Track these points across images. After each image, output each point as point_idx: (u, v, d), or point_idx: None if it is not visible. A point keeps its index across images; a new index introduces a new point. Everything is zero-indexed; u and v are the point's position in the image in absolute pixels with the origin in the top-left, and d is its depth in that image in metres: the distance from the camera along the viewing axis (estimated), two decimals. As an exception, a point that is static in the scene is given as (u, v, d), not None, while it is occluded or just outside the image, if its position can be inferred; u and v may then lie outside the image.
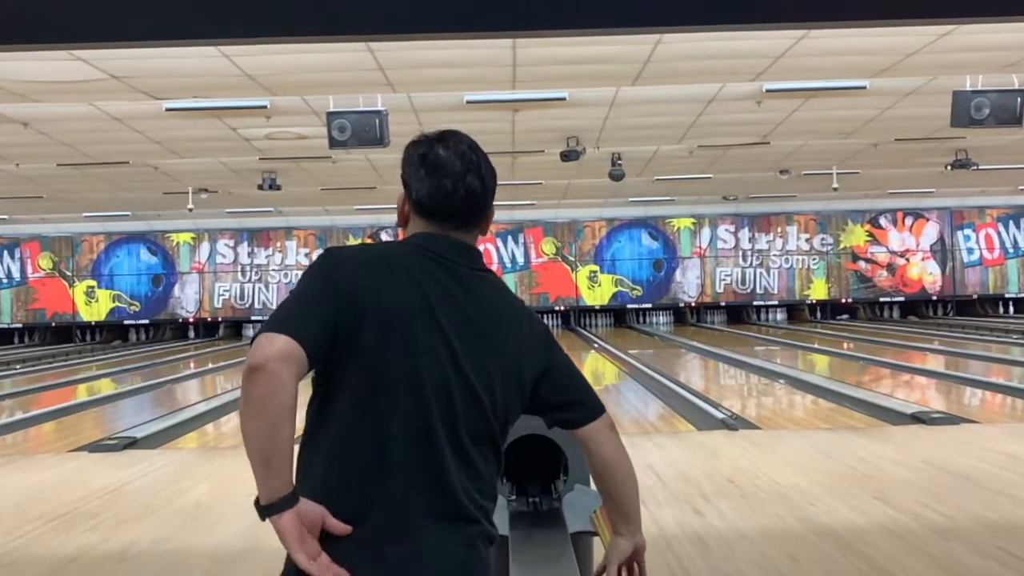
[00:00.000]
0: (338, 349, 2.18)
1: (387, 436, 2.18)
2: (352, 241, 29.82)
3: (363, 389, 2.19)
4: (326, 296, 2.19)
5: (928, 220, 30.19)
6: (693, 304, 30.57)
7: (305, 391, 2.14)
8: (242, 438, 2.11)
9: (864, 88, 12.96)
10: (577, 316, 30.40)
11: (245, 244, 29.88)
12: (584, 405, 2.51)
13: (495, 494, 2.40)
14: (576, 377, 2.53)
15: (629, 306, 30.48)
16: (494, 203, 2.53)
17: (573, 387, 2.50)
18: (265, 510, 2.09)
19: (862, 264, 30.34)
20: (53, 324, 30.20)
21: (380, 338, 2.20)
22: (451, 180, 2.41)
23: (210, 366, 20.25)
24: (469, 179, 2.43)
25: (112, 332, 30.34)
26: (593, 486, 4.00)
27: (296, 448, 2.16)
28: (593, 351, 22.43)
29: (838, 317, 30.48)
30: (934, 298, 30.46)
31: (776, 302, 30.74)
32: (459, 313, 2.29)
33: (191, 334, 30.24)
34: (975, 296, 30.33)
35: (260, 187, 19.03)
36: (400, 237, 2.47)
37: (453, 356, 2.25)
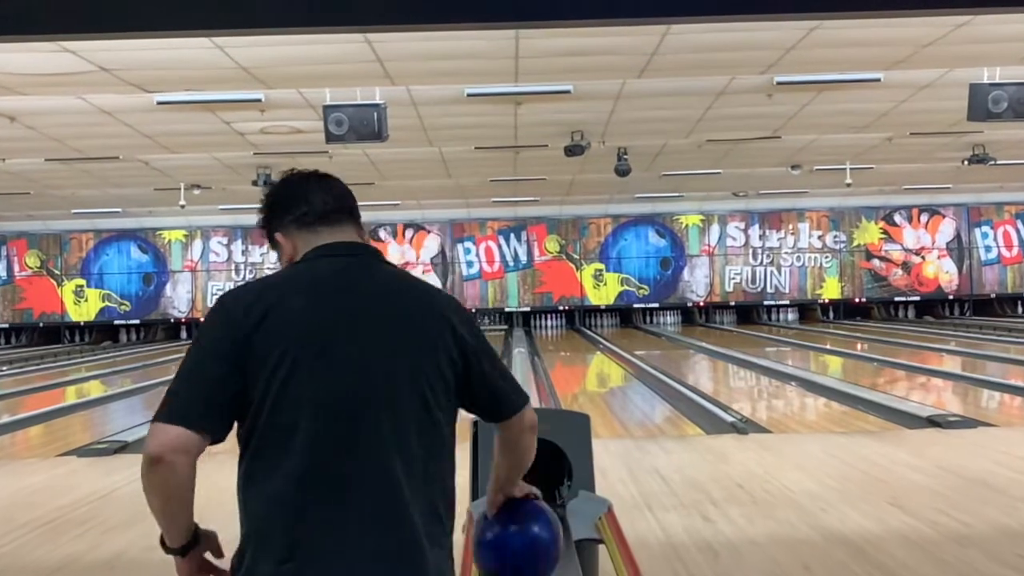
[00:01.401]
0: (251, 395, 2.35)
1: (308, 468, 2.33)
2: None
3: (288, 421, 2.34)
4: (222, 354, 2.35)
5: (944, 217, 30.17)
6: (701, 304, 30.56)
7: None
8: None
9: (878, 81, 12.95)
10: (582, 316, 30.39)
11: (239, 242, 29.87)
12: (511, 387, 2.66)
13: (446, 496, 2.55)
14: (497, 358, 2.64)
15: (635, 306, 30.47)
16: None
17: (500, 367, 2.64)
18: (167, 551, 2.49)
19: (876, 262, 30.31)
20: (41, 324, 30.20)
21: (285, 366, 2.34)
22: (319, 191, 2.70)
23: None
24: (335, 185, 2.74)
25: (102, 332, 30.34)
26: (599, 491, 4.00)
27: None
28: (598, 352, 22.42)
29: (852, 317, 30.47)
30: (950, 297, 30.43)
31: (787, 302, 30.72)
32: (384, 319, 2.46)
33: (183, 334, 30.21)
34: (993, 295, 30.31)
35: (254, 183, 19.02)
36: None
37: (356, 358, 2.40)
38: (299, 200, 2.67)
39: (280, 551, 2.30)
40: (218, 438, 2.36)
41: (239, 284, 2.62)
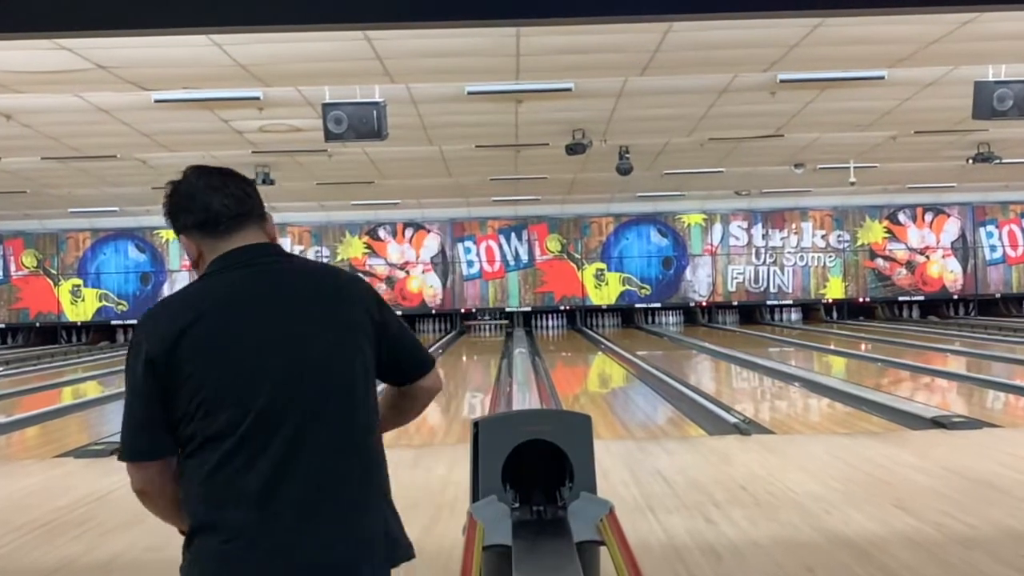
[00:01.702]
0: (179, 405, 2.55)
1: (241, 463, 2.54)
2: (350, 238, 29.87)
3: (208, 427, 2.54)
4: (149, 390, 2.55)
5: (949, 216, 30.17)
6: (704, 304, 30.57)
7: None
8: None
9: (882, 78, 12.96)
10: (583, 316, 30.39)
11: (237, 241, 29.82)
12: (419, 354, 2.89)
13: (379, 456, 2.73)
14: (405, 328, 2.86)
15: (637, 305, 30.48)
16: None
17: (408, 337, 2.85)
18: (182, 532, 2.67)
19: (880, 262, 30.32)
20: (37, 324, 30.21)
21: (207, 375, 2.53)
22: (212, 195, 2.72)
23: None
24: (232, 188, 2.75)
25: (99, 333, 30.36)
26: (600, 492, 4.01)
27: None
28: (600, 352, 22.43)
29: (855, 317, 30.47)
30: (955, 297, 30.44)
31: (790, 301, 30.73)
32: (277, 311, 2.62)
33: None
34: (998, 295, 30.31)
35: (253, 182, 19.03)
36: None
37: (284, 358, 2.58)
38: (198, 204, 2.72)
39: (226, 534, 2.52)
40: (175, 453, 2.61)
41: (157, 305, 2.68)
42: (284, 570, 2.51)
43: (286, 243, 30.08)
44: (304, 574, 2.53)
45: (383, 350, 2.74)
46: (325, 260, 29.84)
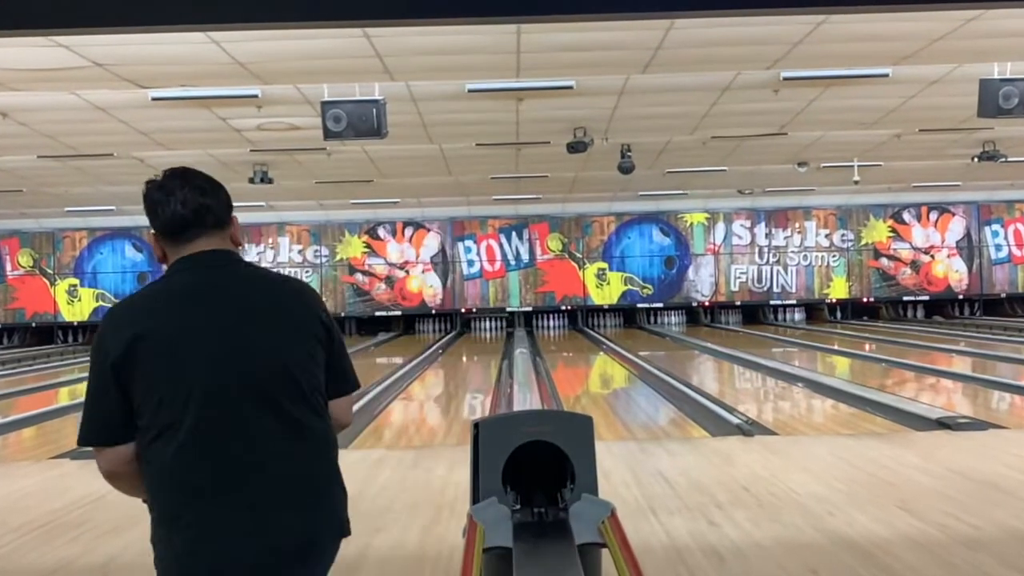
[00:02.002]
0: (136, 397, 2.82)
1: (191, 459, 2.78)
2: (348, 237, 29.90)
3: (167, 418, 2.78)
4: (106, 385, 2.82)
5: (954, 215, 30.16)
6: (707, 303, 30.56)
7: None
8: None
9: (887, 76, 12.96)
10: (585, 316, 30.40)
11: (235, 240, 29.82)
12: (349, 378, 3.12)
13: (327, 448, 2.97)
14: (343, 347, 3.10)
15: (639, 305, 30.48)
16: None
17: (347, 361, 3.09)
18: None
19: (884, 261, 30.31)
20: (33, 324, 30.21)
21: (160, 375, 2.79)
22: (173, 202, 2.98)
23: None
24: (190, 195, 2.99)
25: (95, 333, 30.34)
26: (602, 494, 4.00)
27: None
28: (601, 353, 22.43)
29: (860, 317, 30.46)
30: (960, 297, 30.43)
31: (794, 301, 30.73)
32: (239, 313, 2.90)
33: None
34: (1003, 295, 30.29)
35: (251, 180, 19.03)
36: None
37: (240, 357, 2.83)
38: (161, 208, 3.00)
39: (181, 523, 2.77)
40: (134, 433, 2.84)
41: (120, 305, 2.98)
42: (247, 549, 2.76)
43: (285, 242, 30.12)
44: (267, 552, 2.77)
45: (329, 359, 3.00)
46: (325, 259, 29.94)
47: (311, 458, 2.89)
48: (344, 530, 2.99)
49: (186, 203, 2.97)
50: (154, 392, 2.78)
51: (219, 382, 2.79)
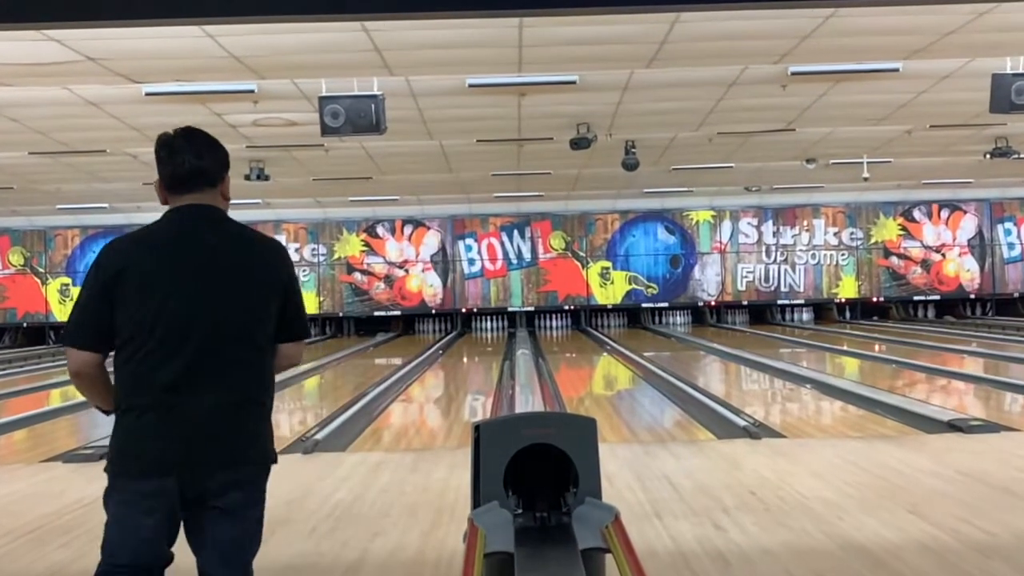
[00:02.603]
0: (118, 318, 3.54)
1: (157, 363, 3.50)
2: (347, 236, 29.92)
3: (135, 333, 3.51)
4: (97, 296, 3.55)
5: (966, 213, 30.16)
6: (713, 303, 30.58)
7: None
8: None
9: (897, 71, 12.96)
10: (588, 316, 30.41)
11: (231, 239, 29.81)
12: (297, 327, 3.78)
13: (260, 377, 3.66)
14: (303, 307, 3.81)
15: (644, 305, 30.49)
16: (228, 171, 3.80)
17: (300, 312, 3.77)
18: (102, 412, 3.76)
19: (894, 260, 30.32)
20: (25, 325, 30.24)
21: (141, 298, 3.50)
22: (176, 159, 3.69)
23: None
24: (189, 157, 3.67)
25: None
26: (606, 498, 4.00)
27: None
28: (605, 353, 22.42)
29: (869, 317, 30.46)
30: (972, 296, 30.44)
31: (802, 301, 30.75)
32: (204, 258, 3.58)
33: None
34: (1016, 294, 30.30)
35: (247, 177, 19.04)
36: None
37: (197, 292, 3.53)
38: (166, 162, 3.70)
39: (150, 409, 3.50)
40: (107, 352, 3.59)
41: (118, 239, 3.73)
42: (177, 432, 3.48)
43: (281, 240, 30.10)
44: (195, 435, 3.49)
45: (285, 309, 3.67)
46: (322, 258, 29.96)
47: (245, 388, 3.58)
48: (268, 459, 3.71)
49: (185, 164, 3.66)
50: (131, 314, 3.50)
51: (180, 314, 3.49)
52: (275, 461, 3.73)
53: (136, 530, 3.55)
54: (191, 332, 3.50)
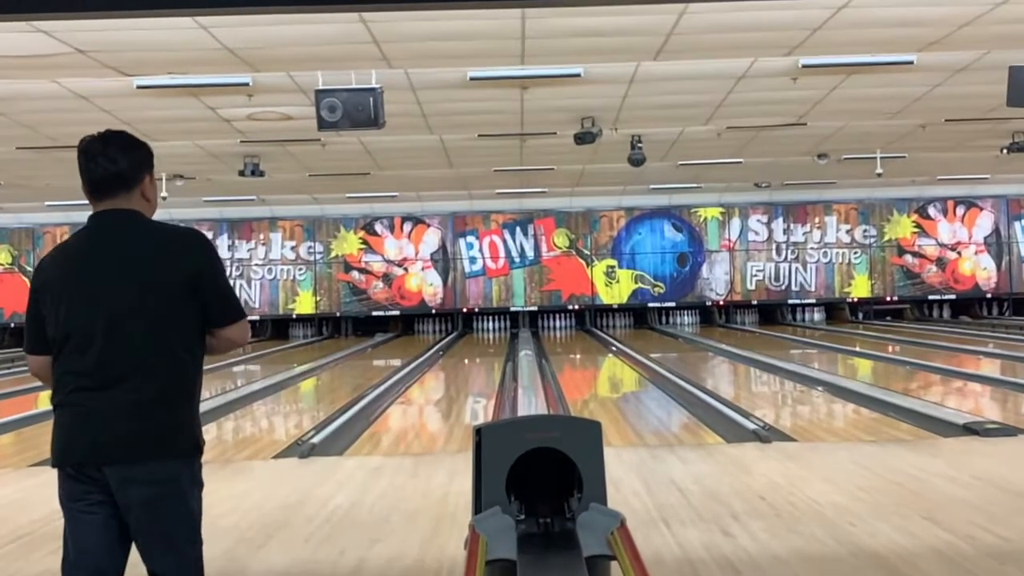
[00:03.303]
0: (46, 327, 3.88)
1: (71, 365, 3.83)
2: (344, 233, 29.93)
3: (57, 338, 3.85)
4: (33, 308, 3.94)
5: (982, 209, 30.15)
6: (721, 303, 30.58)
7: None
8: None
9: (911, 63, 12.94)
10: (593, 316, 30.41)
11: (225, 236, 29.87)
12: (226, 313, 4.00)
13: (170, 375, 3.85)
14: (227, 292, 4.02)
15: (650, 305, 30.50)
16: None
17: (222, 299, 3.97)
18: None
19: (909, 258, 30.31)
20: (12, 325, 30.18)
21: (56, 309, 3.83)
22: (92, 166, 3.90)
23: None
24: (103, 162, 3.88)
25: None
26: (611, 503, 4.00)
27: None
28: (610, 355, 22.44)
29: (882, 318, 30.45)
30: (989, 296, 30.42)
31: (813, 300, 30.74)
32: (109, 267, 3.82)
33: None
34: (1034, 294, 30.31)
35: (241, 173, 19.05)
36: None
37: (102, 301, 3.78)
38: (82, 169, 3.91)
39: (66, 405, 3.88)
40: (52, 348, 3.88)
41: (48, 254, 4.02)
42: (88, 429, 3.80)
43: (277, 238, 30.12)
44: (97, 428, 3.78)
45: (202, 300, 3.88)
46: (319, 256, 29.96)
47: (152, 386, 3.78)
48: (181, 452, 3.92)
49: (99, 170, 3.88)
50: (51, 323, 3.85)
51: (85, 321, 3.78)
52: (197, 452, 4.01)
53: (79, 519, 3.96)
54: (95, 337, 3.78)
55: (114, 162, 3.87)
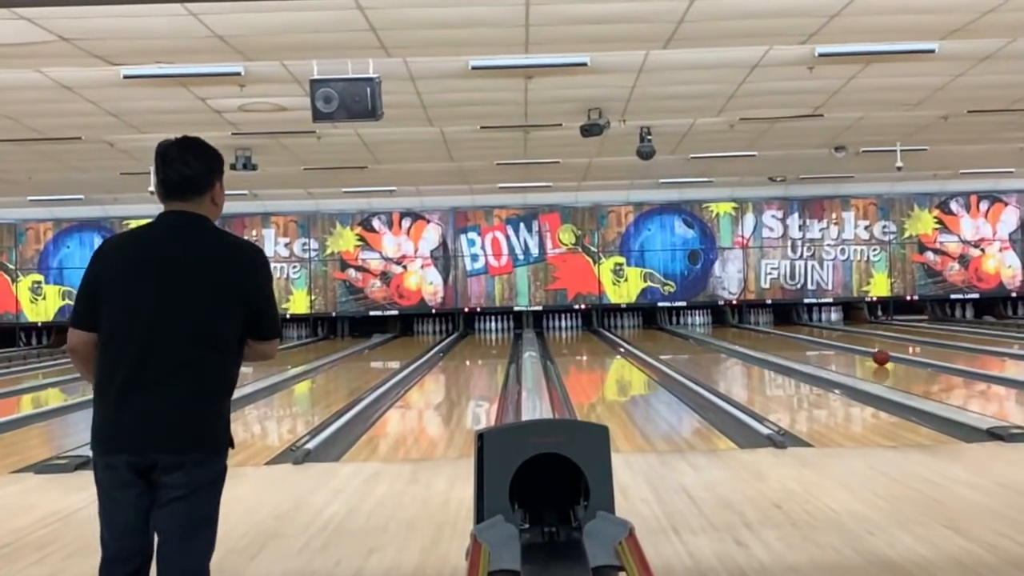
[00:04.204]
0: (100, 312, 4.17)
1: (122, 354, 4.10)
2: (340, 229, 29.94)
3: (110, 326, 4.14)
4: (91, 287, 4.21)
5: (1007, 204, 30.15)
6: (734, 302, 30.58)
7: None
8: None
9: (932, 52, 12.95)
10: (600, 316, 30.43)
11: (216, 232, 29.82)
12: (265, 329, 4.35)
13: (210, 376, 4.17)
14: (270, 310, 4.36)
15: (660, 304, 30.50)
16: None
17: (266, 315, 4.31)
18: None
19: (930, 256, 30.31)
20: (-6, 325, 30.30)
21: (111, 299, 4.14)
22: (167, 169, 4.26)
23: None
24: (178, 166, 4.23)
25: (61, 335, 30.31)
26: (619, 511, 4.00)
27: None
28: (618, 357, 22.44)
29: (902, 317, 30.44)
30: (1013, 295, 30.42)
31: (830, 300, 30.75)
32: (169, 264, 4.15)
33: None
34: (1061, 293, 30.29)
35: (233, 166, 19.04)
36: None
37: (158, 295, 4.10)
38: (159, 170, 4.27)
39: (114, 394, 4.09)
40: (97, 328, 4.17)
41: (113, 237, 4.43)
42: (130, 414, 4.05)
43: (270, 234, 30.12)
44: (146, 418, 4.04)
45: (248, 311, 4.19)
46: (314, 253, 29.97)
47: (191, 385, 4.08)
48: (215, 446, 4.17)
49: (173, 173, 4.23)
50: (108, 310, 4.14)
51: (140, 314, 4.08)
52: (229, 446, 4.26)
53: (115, 502, 4.18)
54: (146, 331, 4.09)
55: (188, 166, 4.24)
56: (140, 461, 4.07)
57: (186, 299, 4.11)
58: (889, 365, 17.36)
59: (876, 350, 18.48)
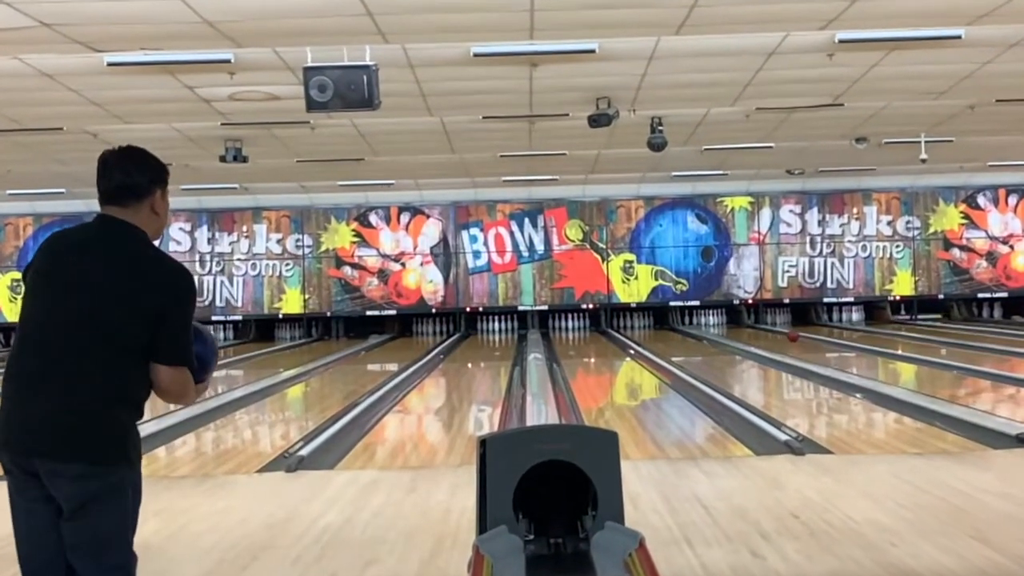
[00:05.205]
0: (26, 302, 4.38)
1: (24, 353, 4.25)
2: (336, 225, 29.96)
3: (23, 322, 4.31)
4: (24, 282, 4.39)
5: (1037, 198, 30.16)
6: (750, 301, 30.59)
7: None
8: None
9: (959, 38, 12.94)
10: (609, 316, 30.43)
11: (204, 228, 29.94)
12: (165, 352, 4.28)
13: (116, 392, 4.18)
14: (180, 334, 4.32)
15: (672, 304, 30.51)
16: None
17: (170, 336, 4.26)
18: None
19: (956, 252, 30.30)
20: (-27, 324, 30.32)
21: (36, 290, 4.32)
22: (106, 174, 4.41)
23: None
24: (116, 172, 4.38)
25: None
26: (629, 522, 4.01)
27: None
28: (628, 358, 22.45)
29: (926, 317, 30.43)
30: (1044, 294, 30.41)
31: (851, 299, 30.74)
32: (86, 269, 4.23)
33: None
34: (1094, 292, 30.29)
35: (222, 159, 19.06)
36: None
37: (68, 298, 4.19)
38: (99, 176, 4.41)
39: (11, 392, 4.19)
40: None
41: (56, 232, 4.59)
42: (18, 414, 4.15)
43: (261, 230, 30.13)
44: (30, 419, 4.13)
45: (154, 331, 4.19)
46: (308, 250, 29.97)
47: (87, 392, 4.12)
48: (89, 455, 4.12)
49: (113, 180, 4.37)
50: (25, 305, 4.33)
51: (52, 316, 4.20)
52: (125, 461, 4.22)
53: (16, 506, 4.32)
54: (47, 333, 4.21)
55: (128, 174, 4.38)
56: (26, 464, 4.17)
57: (94, 306, 4.17)
58: (912, 367, 17.32)
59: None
